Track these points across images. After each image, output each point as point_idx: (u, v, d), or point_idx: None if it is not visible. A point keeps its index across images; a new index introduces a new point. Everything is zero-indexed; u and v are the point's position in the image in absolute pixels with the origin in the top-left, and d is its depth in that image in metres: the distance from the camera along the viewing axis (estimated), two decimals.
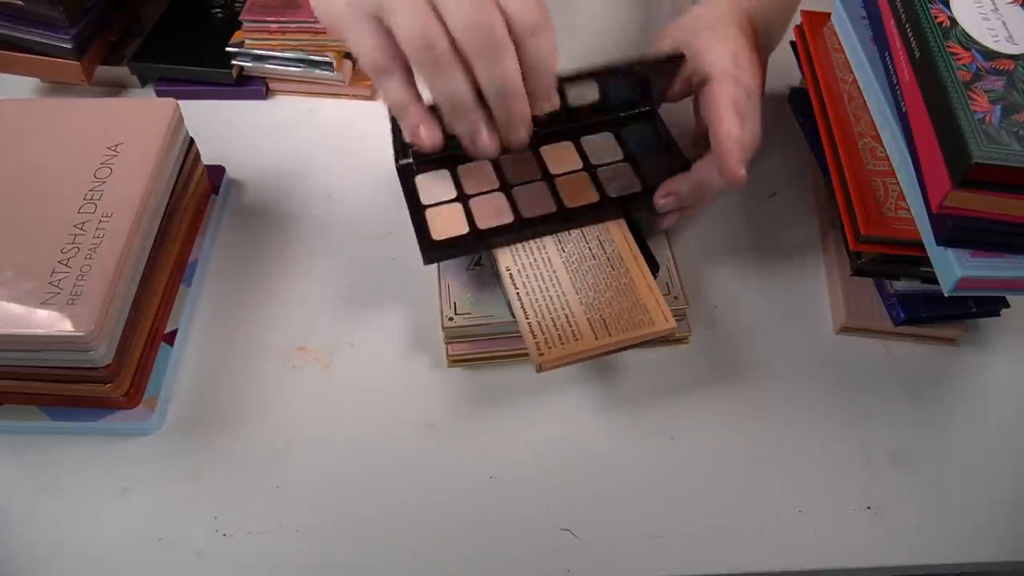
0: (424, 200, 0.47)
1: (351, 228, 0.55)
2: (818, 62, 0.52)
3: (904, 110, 0.43)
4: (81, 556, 0.41)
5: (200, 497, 0.43)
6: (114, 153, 0.47)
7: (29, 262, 0.42)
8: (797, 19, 0.56)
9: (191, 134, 0.53)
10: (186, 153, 0.52)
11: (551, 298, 0.43)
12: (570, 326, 0.42)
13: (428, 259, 0.44)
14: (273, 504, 0.43)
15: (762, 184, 0.58)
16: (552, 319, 0.43)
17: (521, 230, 0.45)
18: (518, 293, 0.44)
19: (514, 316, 0.43)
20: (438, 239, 0.45)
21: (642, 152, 0.48)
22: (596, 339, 0.42)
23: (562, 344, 0.42)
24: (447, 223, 0.45)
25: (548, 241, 0.46)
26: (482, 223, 0.45)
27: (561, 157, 0.48)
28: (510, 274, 0.44)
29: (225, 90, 0.63)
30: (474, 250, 0.46)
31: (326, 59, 0.61)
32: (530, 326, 0.42)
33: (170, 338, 0.48)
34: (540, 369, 0.41)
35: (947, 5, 0.43)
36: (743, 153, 0.43)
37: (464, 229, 0.45)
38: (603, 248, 0.46)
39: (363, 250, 0.54)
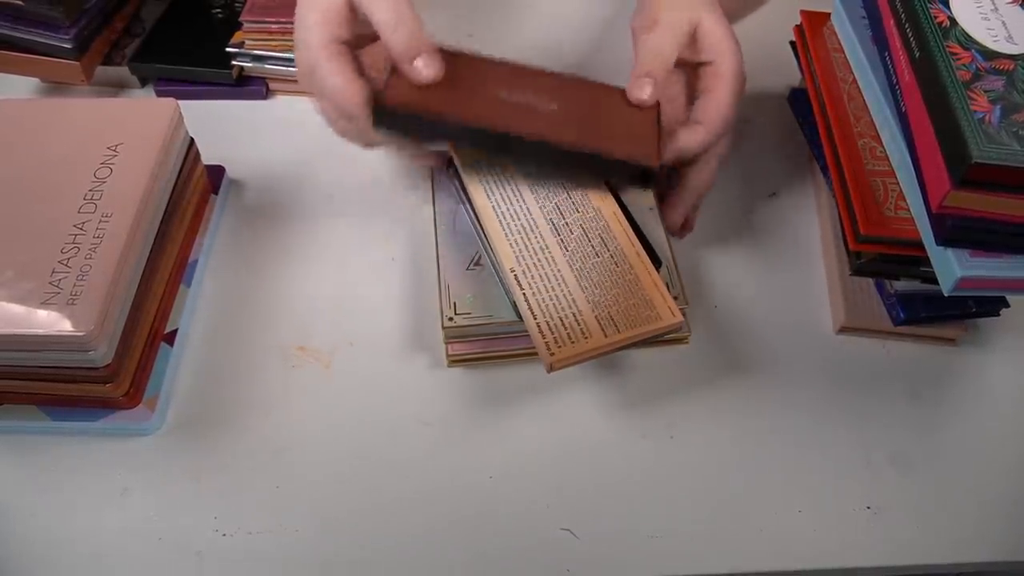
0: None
1: (351, 228, 0.55)
2: (818, 62, 0.52)
3: (904, 110, 0.43)
4: (81, 556, 0.41)
5: (200, 497, 0.43)
6: (114, 153, 0.47)
7: (29, 262, 0.42)
8: (797, 19, 0.56)
9: (191, 134, 0.53)
10: (186, 153, 0.52)
11: (557, 297, 0.43)
12: (578, 324, 0.42)
13: (377, 122, 0.44)
14: (273, 504, 0.43)
15: (762, 184, 0.58)
16: (560, 318, 0.43)
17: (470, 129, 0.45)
18: (524, 294, 0.43)
19: (521, 317, 0.43)
20: (390, 104, 0.43)
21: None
22: (605, 336, 0.42)
23: (572, 343, 0.42)
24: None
25: (551, 240, 0.46)
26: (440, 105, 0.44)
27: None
28: (515, 275, 0.44)
29: (225, 90, 0.63)
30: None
31: None
32: (538, 326, 0.42)
33: (170, 338, 0.48)
34: (551, 369, 0.41)
35: (947, 5, 0.43)
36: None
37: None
38: (606, 246, 0.46)
39: (363, 250, 0.54)
